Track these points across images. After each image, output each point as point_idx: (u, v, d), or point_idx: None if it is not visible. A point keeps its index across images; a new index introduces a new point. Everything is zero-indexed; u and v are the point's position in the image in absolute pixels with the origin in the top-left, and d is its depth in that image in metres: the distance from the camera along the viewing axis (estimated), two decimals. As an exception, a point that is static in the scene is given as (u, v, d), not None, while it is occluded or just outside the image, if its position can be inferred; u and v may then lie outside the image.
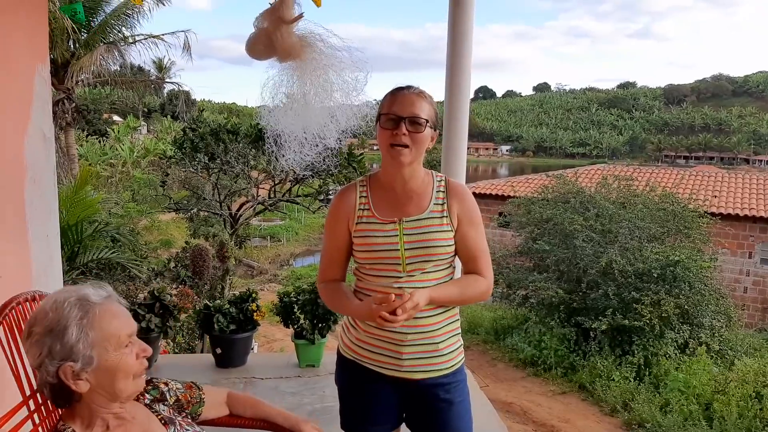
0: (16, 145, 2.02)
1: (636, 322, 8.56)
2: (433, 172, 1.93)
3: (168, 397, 1.59)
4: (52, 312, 1.28)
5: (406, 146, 1.74)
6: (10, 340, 1.55)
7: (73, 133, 16.06)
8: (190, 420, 1.60)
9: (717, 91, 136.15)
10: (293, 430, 1.73)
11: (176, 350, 8.36)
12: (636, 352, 8.71)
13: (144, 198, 20.44)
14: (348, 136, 2.28)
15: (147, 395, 1.54)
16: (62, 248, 5.20)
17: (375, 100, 2.45)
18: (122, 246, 6.77)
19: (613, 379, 8.30)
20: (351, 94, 2.34)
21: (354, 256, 1.90)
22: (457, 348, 1.91)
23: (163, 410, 1.53)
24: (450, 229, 1.82)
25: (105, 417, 1.34)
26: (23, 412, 1.49)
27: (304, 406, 3.58)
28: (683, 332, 8.74)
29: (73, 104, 14.67)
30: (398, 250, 1.78)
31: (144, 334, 3.93)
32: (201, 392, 1.68)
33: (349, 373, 1.96)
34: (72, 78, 14.03)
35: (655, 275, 8.89)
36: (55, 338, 1.26)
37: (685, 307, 8.69)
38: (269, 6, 2.32)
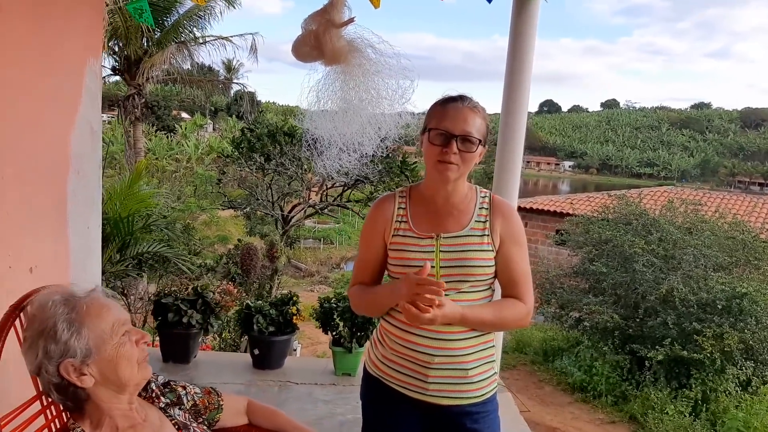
0: (63, 137, 2.05)
1: (696, 355, 8.12)
2: (477, 187, 1.83)
3: (185, 401, 1.55)
4: (38, 314, 1.27)
5: (455, 164, 1.65)
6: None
7: (141, 128, 16.70)
8: (205, 427, 1.56)
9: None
10: None
11: (222, 345, 8.51)
12: (694, 386, 8.26)
13: (204, 194, 21.03)
14: (388, 145, 2.21)
15: (163, 398, 1.52)
16: (114, 239, 5.38)
17: (413, 112, 2.37)
18: (174, 240, 6.93)
19: (667, 413, 7.91)
20: (397, 102, 2.27)
21: (388, 270, 1.83)
22: (490, 376, 1.80)
23: (178, 415, 1.50)
24: (491, 248, 1.72)
25: (114, 417, 1.31)
26: (36, 407, 1.48)
27: (336, 416, 3.52)
28: (746, 369, 8.23)
29: (143, 100, 15.26)
30: (433, 267, 1.68)
31: (184, 330, 3.98)
32: (219, 398, 1.64)
33: (372, 390, 1.88)
34: (143, 74, 14.60)
35: (720, 307, 8.42)
36: (47, 338, 1.24)
37: (750, 342, 8.18)
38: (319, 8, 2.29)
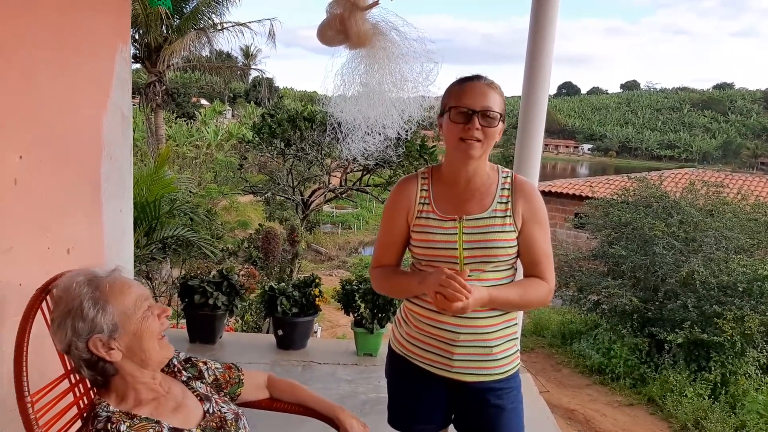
0: (95, 123, 2.11)
1: (716, 338, 8.07)
2: (499, 167, 1.84)
3: (206, 375, 1.63)
4: (64, 295, 1.34)
5: (478, 140, 1.66)
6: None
7: (162, 115, 16.85)
8: (227, 399, 1.62)
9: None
10: (330, 416, 1.73)
11: (244, 328, 8.65)
12: (713, 368, 8.23)
13: (224, 179, 21.21)
14: (412, 128, 2.23)
15: (185, 372, 1.59)
16: (141, 224, 5.49)
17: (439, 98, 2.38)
18: (198, 225, 7.04)
19: (686, 395, 7.89)
20: (421, 85, 2.30)
21: (411, 251, 1.85)
22: (513, 353, 1.83)
23: (200, 387, 1.56)
24: (513, 229, 1.73)
25: (139, 390, 1.39)
26: (65, 384, 1.55)
27: (359, 394, 3.60)
28: (767, 351, 8.19)
29: (164, 87, 15.41)
30: (456, 249, 1.71)
31: (210, 311, 4.08)
32: (240, 373, 1.71)
33: (398, 368, 1.93)
34: (164, 62, 14.72)
35: (741, 289, 8.34)
36: (75, 317, 1.31)
37: (772, 325, 8.14)
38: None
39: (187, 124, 34.31)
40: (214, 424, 1.46)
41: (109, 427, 1.27)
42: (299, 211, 11.68)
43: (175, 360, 1.59)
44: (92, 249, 2.14)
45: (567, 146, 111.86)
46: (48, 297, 1.54)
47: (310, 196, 12.35)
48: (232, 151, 27.24)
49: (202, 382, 1.60)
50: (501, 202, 1.75)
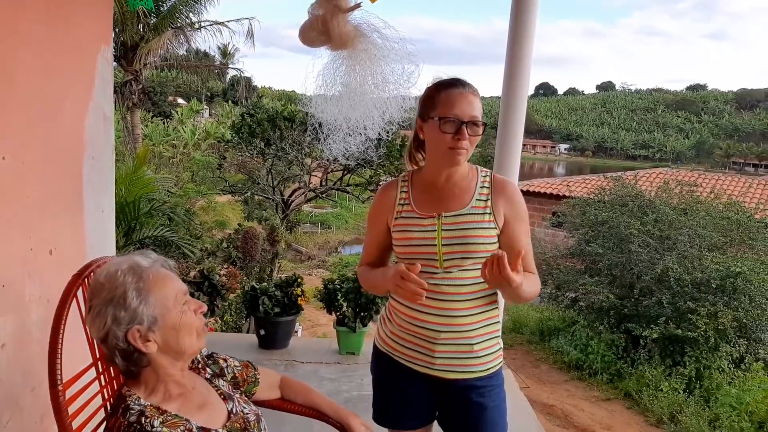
0: (77, 123, 2.11)
1: (690, 333, 8.24)
2: (478, 167, 1.87)
3: (226, 373, 1.62)
4: (107, 283, 1.32)
5: (465, 150, 1.71)
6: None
7: (139, 114, 16.65)
8: (246, 398, 1.63)
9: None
10: (341, 422, 1.74)
11: (223, 328, 8.60)
12: (688, 363, 8.39)
13: (202, 179, 21.01)
14: (393, 128, 2.26)
15: (208, 369, 1.58)
16: (120, 224, 5.43)
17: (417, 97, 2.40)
18: (177, 225, 6.98)
19: (662, 390, 8.04)
20: (402, 86, 2.33)
21: (394, 251, 1.88)
22: (495, 351, 1.86)
23: (223, 385, 1.56)
24: (493, 226, 1.77)
25: (168, 384, 1.38)
26: (91, 374, 1.56)
27: (342, 393, 3.62)
28: (740, 346, 8.36)
29: (140, 86, 15.21)
30: (435, 245, 1.74)
31: (192, 312, 4.06)
32: (257, 372, 1.72)
33: (382, 366, 1.95)
34: (140, 60, 14.55)
35: (714, 286, 8.53)
36: (117, 306, 1.30)
37: (744, 320, 8.30)
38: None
39: (164, 123, 33.90)
40: (238, 425, 1.46)
41: (143, 421, 1.26)
42: (279, 211, 11.64)
43: (198, 356, 1.58)
44: (75, 250, 2.13)
45: (544, 146, 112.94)
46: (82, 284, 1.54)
47: (290, 196, 12.31)
48: (210, 151, 27.00)
49: (223, 380, 1.60)
50: (480, 199, 1.79)
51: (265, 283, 4.25)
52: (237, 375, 1.65)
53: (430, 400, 1.88)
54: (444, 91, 1.75)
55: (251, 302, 4.17)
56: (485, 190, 1.81)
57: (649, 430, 7.66)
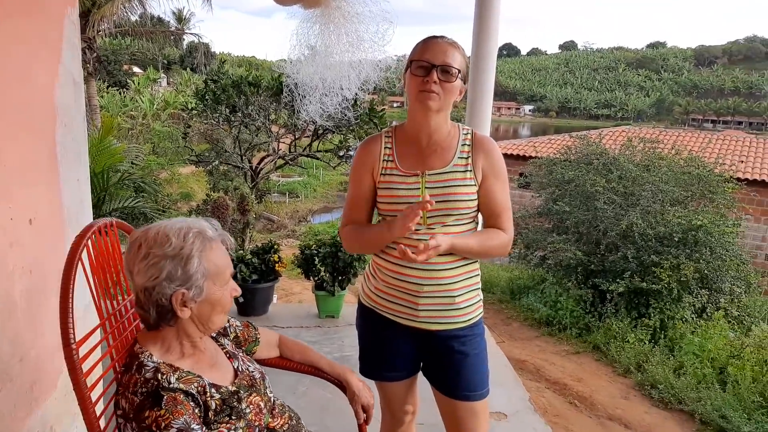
0: (48, 89, 2.04)
1: (654, 286, 8.51)
2: (460, 124, 1.90)
3: (229, 332, 1.65)
4: (175, 239, 1.31)
5: (436, 93, 1.72)
6: (93, 262, 1.61)
7: (95, 84, 16.11)
8: (248, 356, 1.65)
9: (750, 53, 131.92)
10: (338, 378, 1.79)
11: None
12: (652, 315, 8.68)
13: (164, 151, 20.54)
14: (369, 88, 2.26)
15: None
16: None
17: (396, 56, 2.38)
18: (146, 196, 6.85)
19: (628, 341, 8.32)
20: (377, 45, 2.31)
21: (377, 208, 1.90)
22: (476, 302, 1.92)
23: (227, 344, 1.59)
24: (473, 183, 1.80)
25: (184, 344, 1.39)
26: (98, 335, 1.56)
27: (324, 354, 3.67)
28: (701, 297, 8.68)
29: (95, 54, 14.68)
30: (420, 202, 1.78)
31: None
32: (257, 332, 1.75)
33: (367, 320, 2.00)
34: (93, 27, 14.00)
35: (676, 239, 8.79)
36: (177, 264, 1.30)
37: (705, 272, 8.60)
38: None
39: (120, 93, 32.89)
40: (246, 383, 1.48)
41: (159, 377, 1.27)
42: (248, 180, 11.50)
43: None
44: (53, 219, 2.09)
45: (509, 108, 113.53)
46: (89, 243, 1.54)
47: (258, 164, 12.15)
48: (170, 121, 26.37)
49: (228, 339, 1.62)
50: (462, 157, 1.82)
51: (241, 251, 4.24)
52: (239, 334, 1.68)
53: (415, 351, 1.94)
54: (423, 41, 1.79)
55: (228, 270, 4.15)
56: (466, 148, 1.84)
57: (617, 379, 7.95)
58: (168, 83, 46.91)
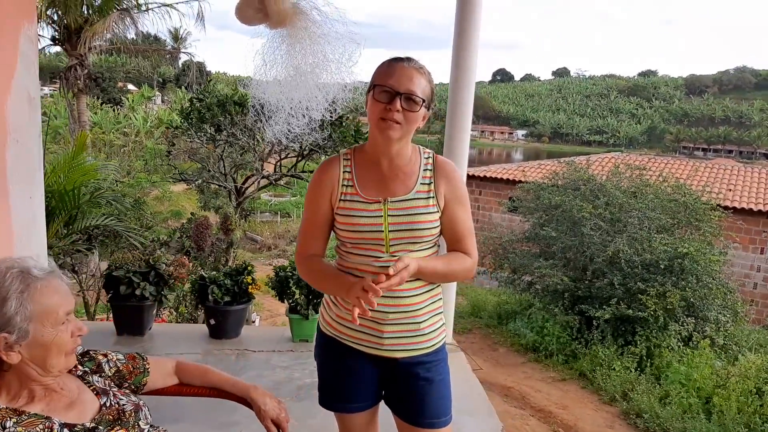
0: (-1, 104, 1.98)
1: (640, 313, 8.46)
2: (420, 147, 1.84)
3: (106, 368, 1.57)
4: None
5: (398, 122, 1.65)
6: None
7: (85, 100, 16.08)
8: (128, 391, 1.58)
9: (739, 83, 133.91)
10: (242, 396, 1.71)
11: (179, 320, 8.42)
12: (638, 342, 8.62)
13: (155, 168, 20.49)
14: (337, 109, 2.21)
15: (81, 367, 1.53)
16: (60, 213, 5.23)
17: (363, 82, 2.34)
18: (124, 214, 6.78)
19: (614, 369, 8.25)
20: (344, 65, 2.27)
21: (336, 233, 1.83)
22: (440, 327, 1.87)
23: (98, 381, 1.51)
24: (436, 210, 1.76)
25: (32, 388, 1.33)
26: None
27: (294, 380, 3.58)
28: (688, 325, 8.63)
29: (86, 71, 14.65)
30: (382, 231, 1.71)
31: (137, 302, 3.94)
32: (145, 363, 1.66)
33: (328, 350, 1.93)
34: (85, 44, 14.00)
35: (663, 266, 8.76)
36: None
37: (691, 300, 8.56)
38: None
39: (114, 110, 32.90)
40: (110, 417, 1.43)
41: None
42: (233, 199, 11.42)
43: None
44: (1, 238, 2.02)
45: (502, 132, 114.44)
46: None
47: (243, 183, 12.09)
48: (162, 139, 26.37)
49: (100, 376, 1.55)
50: (424, 183, 1.77)
51: (214, 272, 4.16)
52: (121, 368, 1.61)
53: (378, 380, 1.89)
54: (388, 62, 1.71)
55: (200, 291, 4.08)
56: (428, 173, 1.79)
57: (602, 407, 7.85)
58: (163, 101, 47.05)
